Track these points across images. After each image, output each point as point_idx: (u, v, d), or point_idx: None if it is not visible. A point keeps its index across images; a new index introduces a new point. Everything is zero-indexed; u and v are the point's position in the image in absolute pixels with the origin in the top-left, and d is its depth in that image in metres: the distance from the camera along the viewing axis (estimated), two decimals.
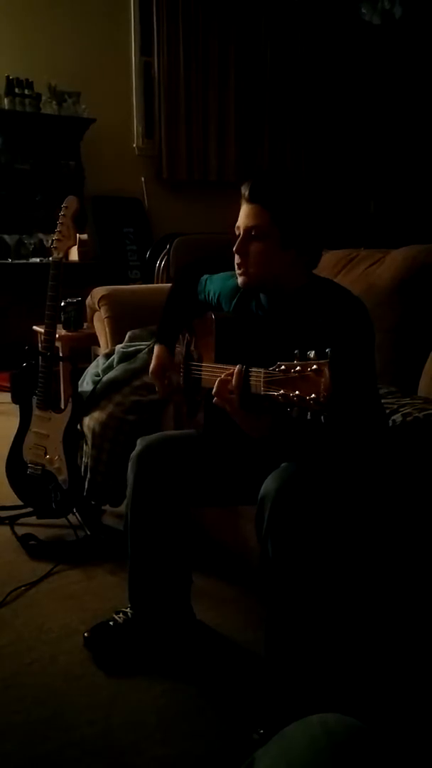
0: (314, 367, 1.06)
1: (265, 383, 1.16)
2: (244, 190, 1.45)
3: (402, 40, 5.82)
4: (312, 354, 1.08)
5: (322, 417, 1.07)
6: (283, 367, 1.12)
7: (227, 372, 1.31)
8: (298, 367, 1.08)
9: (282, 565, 1.33)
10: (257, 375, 1.21)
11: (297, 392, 1.07)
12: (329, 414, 1.06)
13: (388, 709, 1.46)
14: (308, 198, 1.47)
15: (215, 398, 1.33)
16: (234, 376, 1.28)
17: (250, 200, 1.44)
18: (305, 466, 1.34)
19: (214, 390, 1.32)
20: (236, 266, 1.49)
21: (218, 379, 1.32)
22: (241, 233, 1.46)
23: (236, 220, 1.48)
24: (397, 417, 1.68)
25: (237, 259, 1.48)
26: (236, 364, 1.29)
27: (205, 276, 1.77)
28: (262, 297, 1.56)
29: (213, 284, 1.72)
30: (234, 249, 1.47)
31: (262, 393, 1.17)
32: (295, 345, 1.14)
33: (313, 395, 1.05)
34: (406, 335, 2.06)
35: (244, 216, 1.46)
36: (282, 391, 1.10)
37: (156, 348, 1.78)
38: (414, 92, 6.04)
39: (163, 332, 1.80)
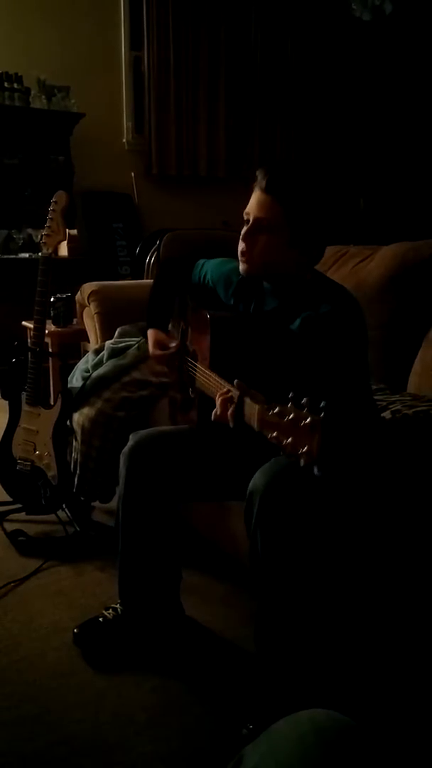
0: (308, 421, 1.04)
1: (259, 420, 1.15)
2: (261, 178, 1.40)
3: (392, 37, 5.82)
4: (305, 401, 1.07)
5: (315, 469, 1.08)
6: (277, 409, 1.10)
7: (223, 391, 1.30)
8: (291, 415, 1.07)
9: (271, 560, 1.33)
10: (251, 408, 1.19)
11: (290, 440, 1.06)
12: (321, 468, 1.07)
13: (378, 706, 1.47)
14: (325, 201, 1.45)
15: (215, 415, 1.32)
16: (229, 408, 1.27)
17: (266, 190, 1.40)
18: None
19: (217, 408, 1.31)
20: (240, 253, 1.47)
21: (219, 396, 1.31)
22: (251, 222, 1.43)
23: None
24: (386, 414, 1.68)
25: (242, 246, 1.45)
26: (231, 375, 1.28)
27: (202, 260, 1.76)
28: (265, 285, 1.55)
29: (210, 269, 1.71)
30: (241, 236, 1.45)
31: (256, 429, 1.16)
32: (292, 348, 1.12)
33: (306, 448, 1.04)
34: (395, 332, 2.07)
35: (256, 204, 1.42)
36: (276, 434, 1.09)
37: (149, 333, 1.77)
38: (405, 89, 6.05)
39: (153, 318, 1.81)
